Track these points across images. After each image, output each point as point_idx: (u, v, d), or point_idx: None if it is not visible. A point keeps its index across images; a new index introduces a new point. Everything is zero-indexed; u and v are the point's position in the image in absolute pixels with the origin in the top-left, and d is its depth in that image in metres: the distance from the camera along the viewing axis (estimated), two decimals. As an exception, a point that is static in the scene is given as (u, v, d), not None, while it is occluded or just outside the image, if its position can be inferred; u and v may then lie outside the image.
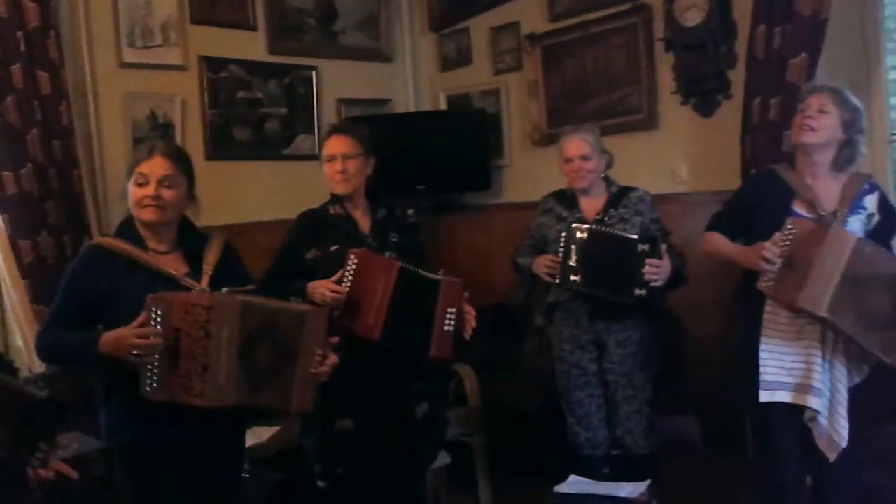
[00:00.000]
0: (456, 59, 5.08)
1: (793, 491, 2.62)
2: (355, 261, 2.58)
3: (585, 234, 2.90)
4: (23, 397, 1.75)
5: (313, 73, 4.72)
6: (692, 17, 3.81)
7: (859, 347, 2.46)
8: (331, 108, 4.83)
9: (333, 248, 2.70)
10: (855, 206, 2.55)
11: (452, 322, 2.59)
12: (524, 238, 3.27)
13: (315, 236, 2.75)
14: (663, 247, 2.92)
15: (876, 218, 2.57)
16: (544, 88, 4.60)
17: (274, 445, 3.23)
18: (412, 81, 5.23)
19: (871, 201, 2.57)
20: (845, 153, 2.58)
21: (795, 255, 2.43)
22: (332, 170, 2.76)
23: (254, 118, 4.48)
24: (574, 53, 4.44)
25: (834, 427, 2.48)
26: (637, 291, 2.86)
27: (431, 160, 4.70)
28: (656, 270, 2.85)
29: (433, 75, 5.21)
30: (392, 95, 5.16)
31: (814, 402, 2.48)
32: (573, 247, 2.89)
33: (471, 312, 2.66)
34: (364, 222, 2.80)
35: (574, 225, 2.95)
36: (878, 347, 2.40)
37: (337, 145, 2.78)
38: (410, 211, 2.90)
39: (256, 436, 3.14)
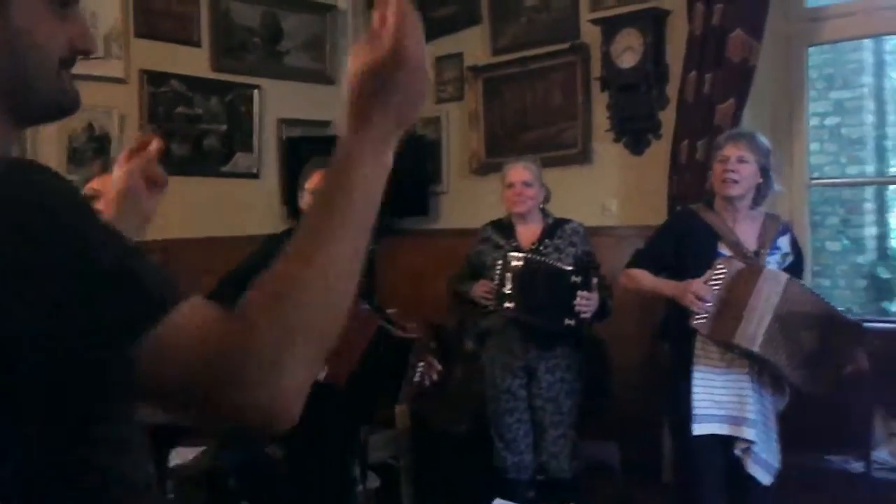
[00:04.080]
0: (398, 85, 5.15)
1: None
2: None
3: (521, 263, 3.00)
4: None
5: (255, 91, 4.72)
6: (628, 60, 3.96)
7: (782, 379, 2.60)
8: (272, 127, 4.84)
9: None
10: (772, 246, 2.70)
11: (421, 372, 2.76)
12: (462, 265, 3.34)
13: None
14: (594, 281, 3.03)
15: (790, 258, 2.72)
16: (484, 119, 4.71)
17: (198, 465, 3.19)
18: (354, 105, 5.28)
19: (784, 242, 2.74)
20: (762, 192, 2.73)
21: (730, 294, 2.55)
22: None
23: (193, 134, 4.46)
24: (514, 87, 4.56)
25: (769, 454, 2.61)
26: (567, 321, 2.96)
27: (370, 184, 4.75)
28: (587, 303, 2.97)
29: (375, 100, 5.27)
30: (334, 117, 5.20)
31: (749, 433, 2.58)
32: (508, 274, 2.99)
33: (434, 366, 2.83)
34: None
35: (511, 253, 3.04)
36: (802, 381, 2.54)
37: None
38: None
39: (181, 456, 3.11)
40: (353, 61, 0.80)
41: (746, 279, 2.55)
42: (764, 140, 2.74)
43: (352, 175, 0.77)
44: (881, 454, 2.86)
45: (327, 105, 5.15)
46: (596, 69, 4.15)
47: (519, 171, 3.17)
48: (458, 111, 4.86)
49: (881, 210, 5.94)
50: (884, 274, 5.69)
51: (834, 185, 5.70)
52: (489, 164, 4.64)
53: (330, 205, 0.77)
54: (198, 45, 4.46)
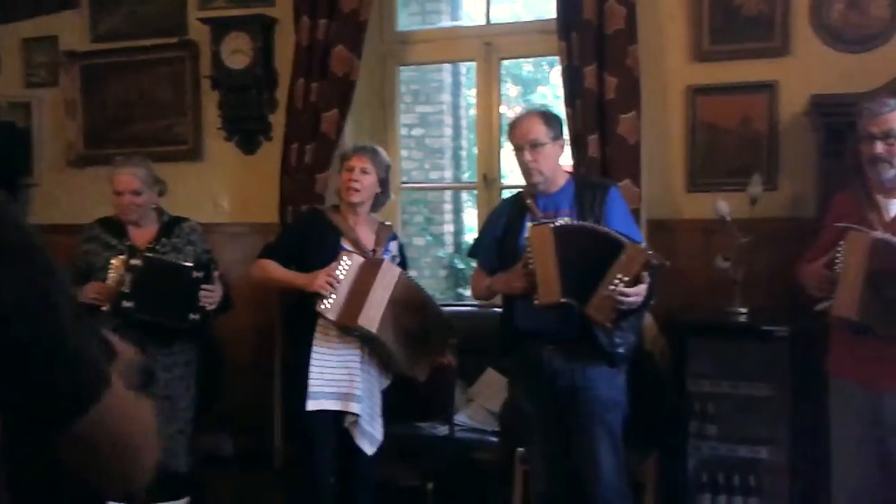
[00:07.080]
0: (-22, 64, 4.61)
1: (324, 489, 2.99)
2: None
3: (140, 262, 2.94)
4: None
5: None
6: (238, 61, 4.06)
7: (386, 359, 2.96)
8: None
9: None
10: (385, 249, 3.10)
11: None
12: (69, 268, 3.13)
13: None
14: (216, 274, 3.10)
15: (397, 259, 3.15)
16: (83, 108, 4.44)
17: None
18: (-80, 82, 4.60)
19: (393, 246, 3.18)
20: (379, 200, 3.14)
21: (355, 283, 2.86)
22: None
23: None
24: (117, 77, 4.39)
25: (373, 426, 2.96)
26: (192, 316, 2.99)
27: (-57, 172, 4.19)
28: (210, 295, 3.03)
29: (-54, 78, 4.65)
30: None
31: (355, 407, 2.91)
32: (128, 274, 2.91)
33: None
34: None
35: (129, 254, 2.97)
36: (404, 358, 2.95)
37: None
38: None
39: None
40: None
41: (369, 270, 2.90)
42: (385, 156, 3.13)
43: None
44: (461, 417, 3.39)
45: None
46: (206, 67, 4.18)
47: (126, 179, 3.08)
48: (53, 98, 4.52)
49: (457, 210, 6.87)
50: (459, 265, 6.60)
51: (420, 188, 6.43)
52: (89, 155, 4.41)
53: None
54: None
